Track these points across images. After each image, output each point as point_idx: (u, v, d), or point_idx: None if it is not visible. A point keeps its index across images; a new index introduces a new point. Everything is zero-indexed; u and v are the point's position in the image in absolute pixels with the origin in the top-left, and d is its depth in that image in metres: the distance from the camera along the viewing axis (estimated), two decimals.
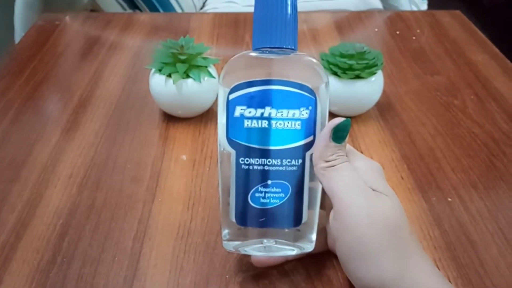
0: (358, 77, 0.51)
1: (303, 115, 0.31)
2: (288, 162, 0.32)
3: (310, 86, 0.31)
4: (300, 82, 0.31)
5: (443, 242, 0.40)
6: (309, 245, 0.34)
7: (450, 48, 0.70)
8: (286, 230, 0.33)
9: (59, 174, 0.47)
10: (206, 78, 0.51)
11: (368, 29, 0.78)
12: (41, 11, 1.03)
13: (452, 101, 0.58)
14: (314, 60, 0.32)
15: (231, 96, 0.31)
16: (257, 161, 0.31)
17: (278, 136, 0.31)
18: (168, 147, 0.50)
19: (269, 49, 0.32)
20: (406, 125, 0.54)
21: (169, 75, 0.50)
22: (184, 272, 0.37)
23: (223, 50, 0.70)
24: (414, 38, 0.73)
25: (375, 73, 0.51)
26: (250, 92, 0.31)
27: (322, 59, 0.53)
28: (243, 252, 0.34)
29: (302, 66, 0.33)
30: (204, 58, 0.52)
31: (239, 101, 0.31)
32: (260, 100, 0.31)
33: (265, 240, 0.33)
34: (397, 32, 0.74)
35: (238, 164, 0.32)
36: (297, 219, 0.33)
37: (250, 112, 0.31)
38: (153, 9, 1.12)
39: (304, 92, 0.31)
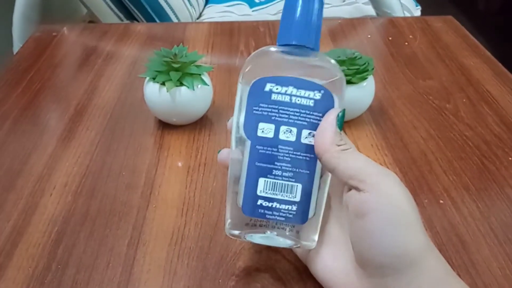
0: (349, 82, 0.51)
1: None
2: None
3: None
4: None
5: (435, 243, 0.40)
6: (310, 244, 0.35)
7: (442, 53, 0.70)
8: (289, 228, 0.34)
9: (54, 183, 0.47)
10: (199, 85, 0.51)
11: (361, 35, 0.78)
12: (38, 23, 1.04)
13: (444, 105, 0.59)
14: (332, 61, 0.35)
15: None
16: None
17: None
18: (162, 154, 0.51)
19: (293, 46, 0.34)
20: (399, 129, 0.55)
21: (163, 83, 0.51)
22: (177, 277, 0.38)
23: (217, 58, 0.71)
24: (406, 43, 0.74)
25: (366, 78, 0.52)
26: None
27: None
28: (248, 238, 0.35)
29: (321, 65, 0.35)
30: (198, 66, 0.52)
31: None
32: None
33: (268, 232, 0.34)
34: (390, 38, 0.75)
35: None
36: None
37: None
38: (150, 20, 1.13)
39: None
